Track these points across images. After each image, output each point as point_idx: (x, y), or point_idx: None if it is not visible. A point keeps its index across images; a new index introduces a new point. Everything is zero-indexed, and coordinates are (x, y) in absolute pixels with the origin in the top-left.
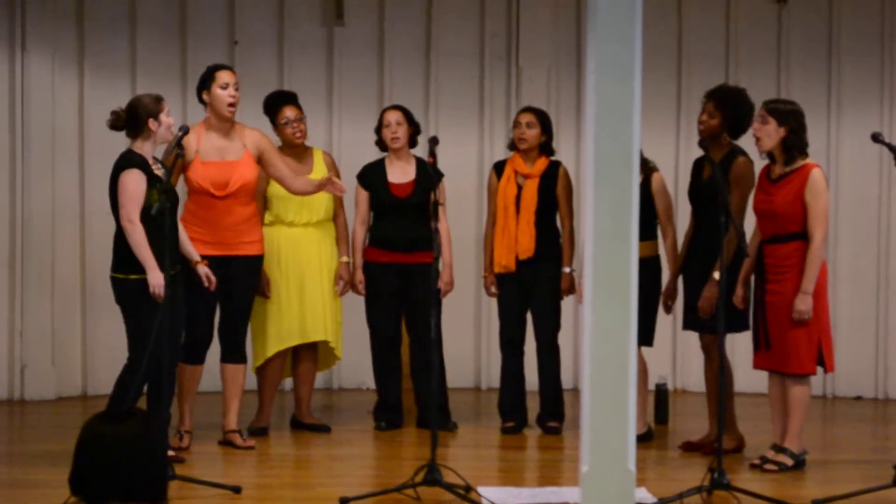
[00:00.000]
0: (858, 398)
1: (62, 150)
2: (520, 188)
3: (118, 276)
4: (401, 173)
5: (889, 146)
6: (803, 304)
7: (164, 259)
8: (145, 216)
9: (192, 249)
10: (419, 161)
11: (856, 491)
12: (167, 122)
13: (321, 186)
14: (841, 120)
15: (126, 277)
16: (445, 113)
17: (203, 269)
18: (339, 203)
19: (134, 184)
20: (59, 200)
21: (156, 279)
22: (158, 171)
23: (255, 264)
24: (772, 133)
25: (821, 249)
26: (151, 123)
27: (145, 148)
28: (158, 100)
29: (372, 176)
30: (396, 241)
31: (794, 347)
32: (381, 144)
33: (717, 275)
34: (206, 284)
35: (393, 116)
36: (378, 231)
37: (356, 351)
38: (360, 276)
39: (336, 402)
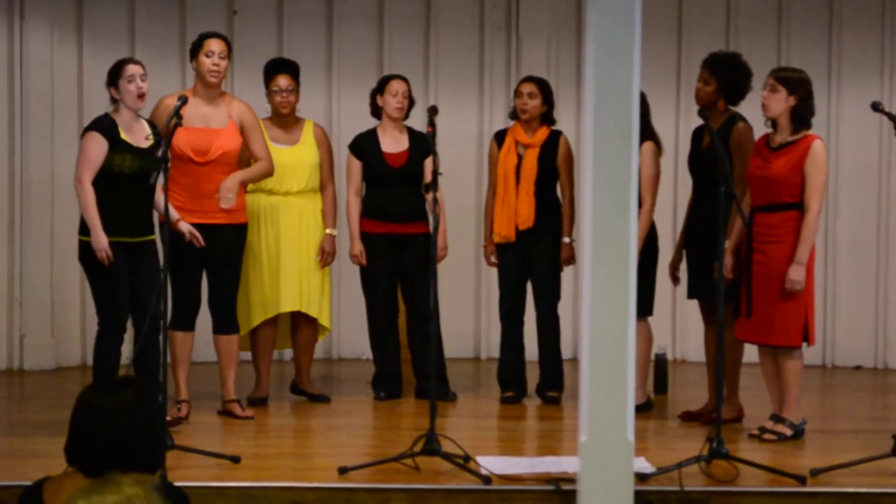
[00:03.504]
0: (858, 368)
1: (61, 120)
2: (520, 158)
3: (79, 238)
4: (394, 143)
5: (889, 115)
6: (797, 273)
7: (166, 224)
8: (104, 180)
9: (171, 210)
10: (411, 131)
11: (855, 460)
12: (128, 89)
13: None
14: (841, 90)
15: (81, 238)
16: (445, 83)
17: (185, 226)
18: (328, 175)
19: (90, 146)
20: (58, 171)
21: (98, 241)
22: (148, 140)
23: (238, 233)
24: (781, 101)
25: (816, 221)
26: (112, 91)
27: (119, 113)
28: (119, 66)
29: (365, 146)
30: (391, 212)
31: (781, 319)
32: (376, 108)
33: (728, 244)
34: (190, 240)
35: (401, 87)
36: (372, 201)
37: (355, 321)
38: (359, 246)
39: (335, 373)
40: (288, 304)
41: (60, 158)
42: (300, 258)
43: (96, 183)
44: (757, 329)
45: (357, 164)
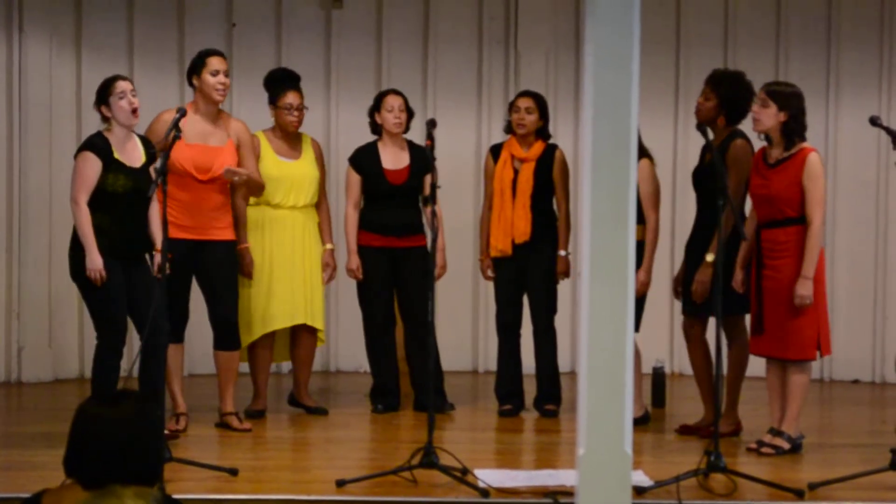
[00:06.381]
0: (856, 382)
1: (59, 131)
2: (516, 172)
3: (70, 254)
4: (395, 159)
5: (887, 130)
6: (804, 288)
7: (163, 236)
8: (98, 199)
9: (157, 234)
10: (412, 146)
11: (852, 474)
12: (120, 106)
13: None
14: (840, 104)
15: (75, 255)
16: (443, 97)
17: (157, 258)
18: (322, 191)
19: (84, 166)
20: (56, 182)
21: (93, 262)
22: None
23: (230, 248)
24: (771, 116)
25: (819, 234)
26: (103, 109)
27: (112, 131)
28: (107, 83)
29: (365, 160)
30: (390, 226)
31: (795, 333)
32: (375, 126)
33: (709, 258)
34: (154, 272)
35: (397, 101)
36: (370, 216)
37: (353, 334)
38: (356, 261)
39: (333, 385)
40: (291, 318)
41: (59, 170)
42: (304, 271)
43: (91, 203)
44: (772, 343)
45: (356, 178)
